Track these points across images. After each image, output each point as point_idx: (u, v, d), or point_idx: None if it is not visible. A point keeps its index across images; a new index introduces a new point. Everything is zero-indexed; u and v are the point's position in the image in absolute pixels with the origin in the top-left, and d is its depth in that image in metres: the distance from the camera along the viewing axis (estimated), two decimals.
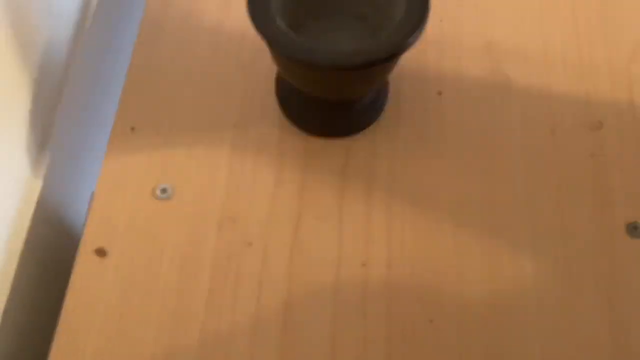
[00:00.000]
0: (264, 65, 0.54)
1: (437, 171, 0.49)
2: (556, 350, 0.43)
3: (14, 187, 0.47)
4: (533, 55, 0.55)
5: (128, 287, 0.45)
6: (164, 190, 0.48)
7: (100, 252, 0.46)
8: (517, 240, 0.47)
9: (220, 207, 0.48)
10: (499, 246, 0.46)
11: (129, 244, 0.46)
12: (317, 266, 0.46)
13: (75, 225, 0.59)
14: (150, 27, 0.56)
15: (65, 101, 0.55)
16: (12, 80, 0.46)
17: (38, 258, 0.51)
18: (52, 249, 0.54)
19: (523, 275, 0.45)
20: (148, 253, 0.46)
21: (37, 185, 0.50)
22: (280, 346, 0.43)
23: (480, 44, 0.55)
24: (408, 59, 0.54)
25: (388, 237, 0.47)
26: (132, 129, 0.51)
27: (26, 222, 0.48)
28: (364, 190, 0.49)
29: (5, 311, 0.46)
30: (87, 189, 0.61)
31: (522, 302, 0.45)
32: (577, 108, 0.52)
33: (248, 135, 0.51)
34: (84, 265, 0.46)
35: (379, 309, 0.44)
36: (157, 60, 0.55)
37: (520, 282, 0.45)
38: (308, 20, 0.47)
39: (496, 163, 0.50)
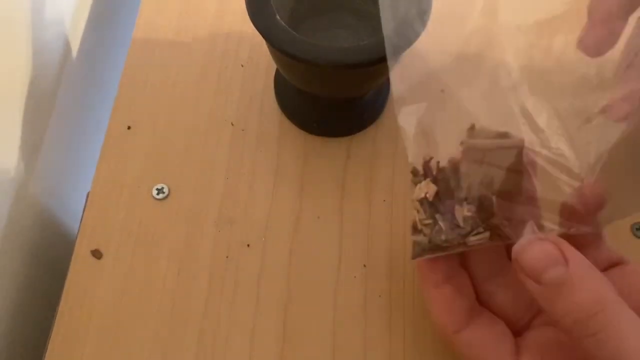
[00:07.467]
0: (263, 63, 0.54)
1: None
2: None
3: (7, 188, 0.46)
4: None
5: (125, 288, 0.44)
6: (160, 190, 0.48)
7: (96, 254, 0.45)
8: None
9: (218, 207, 0.47)
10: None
11: (125, 245, 0.46)
12: (317, 266, 0.45)
13: (70, 226, 0.58)
14: (146, 24, 0.56)
15: (60, 100, 0.55)
16: (5, 79, 0.45)
17: (32, 260, 0.50)
18: (47, 251, 0.53)
19: None
20: (145, 254, 0.45)
21: (31, 186, 0.50)
22: (280, 347, 0.42)
23: (485, 41, 0.55)
24: (410, 56, 0.53)
25: (389, 237, 0.46)
26: (128, 127, 0.50)
27: (20, 224, 0.48)
28: (365, 190, 0.48)
29: None
30: (82, 189, 0.61)
31: None
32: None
33: (246, 134, 0.50)
34: (79, 266, 0.45)
35: (380, 309, 0.44)
36: (154, 58, 0.54)
37: None
38: (308, 16, 0.47)
39: None
